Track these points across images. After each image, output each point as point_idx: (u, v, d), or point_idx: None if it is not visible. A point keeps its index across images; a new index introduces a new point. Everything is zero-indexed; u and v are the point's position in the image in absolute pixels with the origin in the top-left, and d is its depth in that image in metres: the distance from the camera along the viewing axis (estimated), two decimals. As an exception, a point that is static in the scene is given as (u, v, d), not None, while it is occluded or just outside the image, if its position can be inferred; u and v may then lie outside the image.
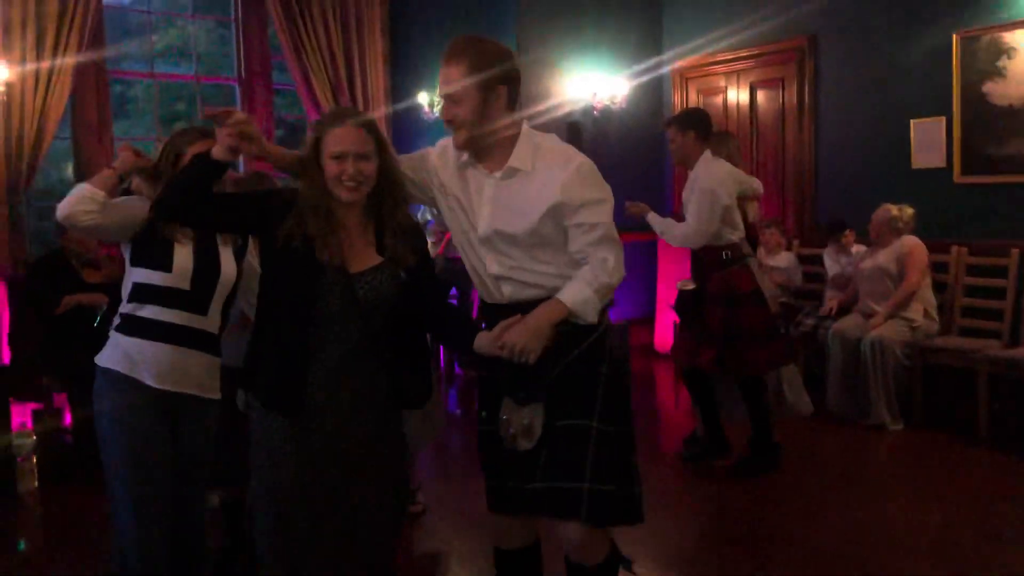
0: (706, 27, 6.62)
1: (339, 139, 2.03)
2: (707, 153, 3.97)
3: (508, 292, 2.17)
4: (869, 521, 3.52)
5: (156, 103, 7.11)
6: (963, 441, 4.49)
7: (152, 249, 2.39)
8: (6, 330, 4.99)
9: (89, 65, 5.69)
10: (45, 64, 5.26)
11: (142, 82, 7.02)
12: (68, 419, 4.44)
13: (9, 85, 5.01)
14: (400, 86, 7.22)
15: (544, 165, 2.10)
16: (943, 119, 5.27)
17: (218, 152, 2.04)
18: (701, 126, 3.99)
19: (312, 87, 6.73)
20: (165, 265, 2.39)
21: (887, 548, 3.25)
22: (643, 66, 6.91)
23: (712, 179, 3.89)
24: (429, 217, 6.09)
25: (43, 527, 3.91)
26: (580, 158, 2.13)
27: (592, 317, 2.10)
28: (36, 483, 4.19)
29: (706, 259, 4.06)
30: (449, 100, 2.10)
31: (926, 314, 4.88)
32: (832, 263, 5.57)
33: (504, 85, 2.09)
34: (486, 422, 2.24)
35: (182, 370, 2.39)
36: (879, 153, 5.66)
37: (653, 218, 4.19)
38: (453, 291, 6.20)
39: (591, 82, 6.55)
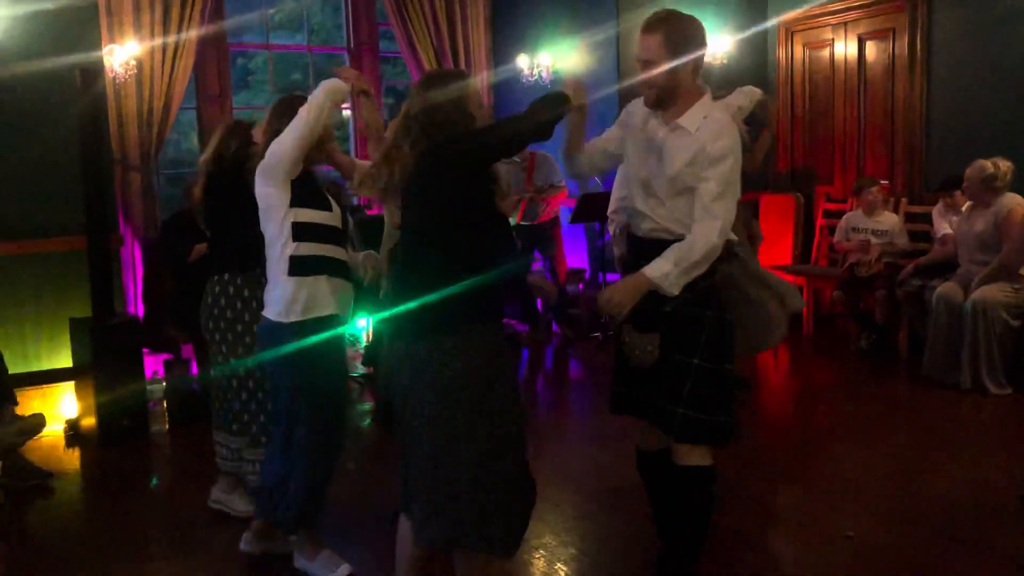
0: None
1: None
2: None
3: (645, 228, 2.58)
4: (972, 482, 3.48)
5: (271, 74, 7.50)
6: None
7: (312, 190, 2.69)
8: (140, 288, 5.47)
9: (210, 39, 6.06)
10: (171, 39, 5.65)
11: (261, 54, 7.39)
12: (194, 368, 4.87)
13: (139, 60, 5.42)
14: (501, 49, 7.32)
15: (703, 131, 2.45)
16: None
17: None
18: None
19: (417, 53, 6.92)
20: (326, 204, 2.72)
21: (991, 512, 3.23)
22: (748, 21, 6.76)
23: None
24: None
25: (173, 464, 4.35)
26: (727, 140, 2.44)
27: (673, 290, 2.43)
28: (167, 426, 4.65)
29: None
30: (645, 64, 2.45)
31: (1033, 276, 4.66)
32: (940, 222, 5.37)
33: (691, 54, 2.44)
34: (618, 340, 2.67)
35: (348, 303, 2.82)
36: (998, 105, 5.37)
37: None
38: (537, 255, 6.33)
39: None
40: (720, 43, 6.54)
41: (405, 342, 2.21)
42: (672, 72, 2.43)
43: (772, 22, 6.88)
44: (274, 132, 2.69)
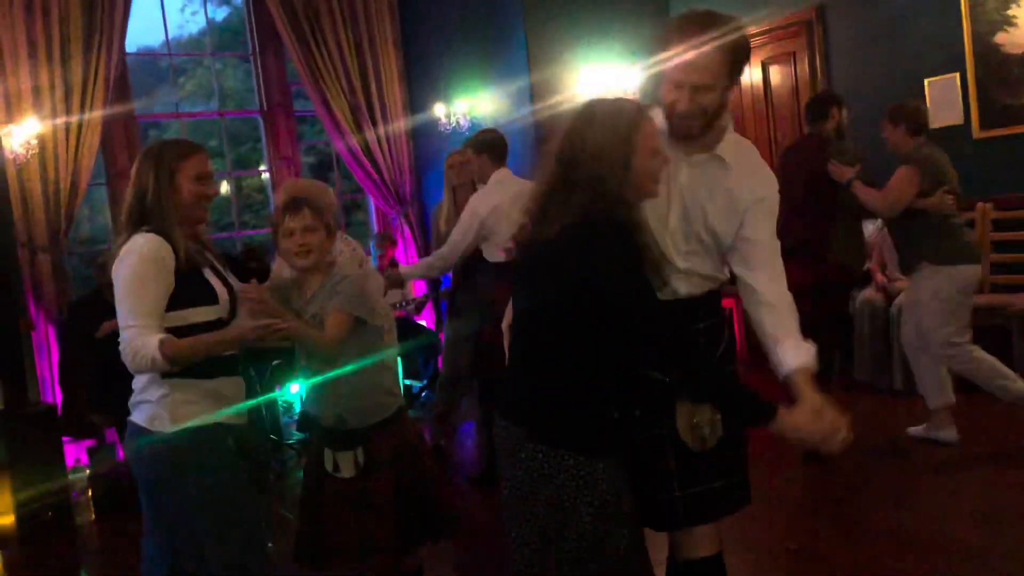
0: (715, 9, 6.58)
1: None
2: (497, 173, 4.23)
3: (685, 290, 2.01)
4: (911, 490, 3.50)
5: (185, 143, 7.37)
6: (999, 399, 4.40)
7: (193, 286, 2.20)
8: (56, 373, 5.24)
9: (118, 114, 5.95)
10: (74, 118, 5.53)
11: (174, 124, 7.28)
12: (120, 453, 4.65)
13: (41, 138, 5.28)
14: (417, 100, 7.35)
15: (743, 164, 1.99)
16: (957, 75, 5.17)
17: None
18: (492, 148, 4.28)
19: (332, 111, 6.90)
20: (212, 297, 2.23)
21: (933, 516, 3.24)
22: (652, 57, 6.90)
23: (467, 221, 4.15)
24: None
25: (102, 555, 4.12)
26: (770, 173, 2.04)
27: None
28: (93, 515, 4.42)
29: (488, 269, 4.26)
30: (696, 87, 1.88)
31: (953, 275, 4.78)
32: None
33: (741, 73, 1.95)
34: (647, 428, 2.00)
35: (238, 399, 2.30)
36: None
37: None
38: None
39: (604, 74, 6.58)
40: (632, 76, 6.67)
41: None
42: (727, 90, 1.92)
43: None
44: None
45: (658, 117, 1.94)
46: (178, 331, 2.15)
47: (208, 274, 2.27)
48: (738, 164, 1.98)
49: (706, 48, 1.84)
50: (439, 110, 6.89)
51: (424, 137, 7.25)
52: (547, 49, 6.37)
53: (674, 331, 1.80)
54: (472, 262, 4.38)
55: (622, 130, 1.77)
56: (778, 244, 2.00)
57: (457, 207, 4.50)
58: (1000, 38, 4.96)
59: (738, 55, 1.89)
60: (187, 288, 2.18)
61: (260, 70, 7.05)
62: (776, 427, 1.75)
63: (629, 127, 1.77)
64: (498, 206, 4.07)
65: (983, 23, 5.03)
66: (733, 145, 2.00)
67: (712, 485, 1.98)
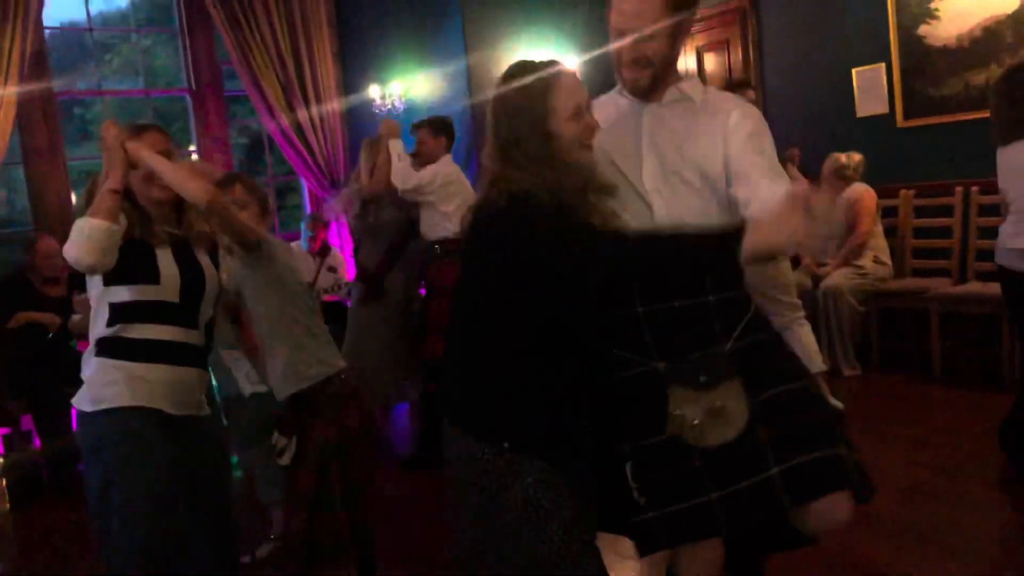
0: None
1: None
2: (447, 156, 4.37)
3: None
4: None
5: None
6: (919, 380, 4.54)
7: (133, 261, 2.10)
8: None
9: (35, 91, 5.71)
10: (-12, 93, 5.28)
11: (99, 102, 7.01)
12: (37, 441, 4.49)
13: (-48, 116, 5.04)
14: (352, 81, 7.22)
15: (711, 98, 1.86)
16: (883, 66, 5.29)
17: None
18: (449, 132, 4.43)
19: (263, 91, 6.74)
20: (151, 276, 2.12)
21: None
22: (594, 42, 6.91)
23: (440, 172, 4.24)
24: None
25: (17, 546, 3.97)
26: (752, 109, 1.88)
27: None
28: (7, 505, 4.25)
29: (420, 252, 4.38)
30: (634, 35, 1.78)
31: (876, 260, 4.92)
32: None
33: (692, 16, 1.83)
34: (640, 436, 1.78)
35: (187, 391, 2.19)
36: (825, 105, 5.67)
37: None
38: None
39: (543, 59, 6.54)
40: (571, 62, 6.66)
41: None
42: (673, 37, 1.79)
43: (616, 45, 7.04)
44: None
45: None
46: (118, 307, 2.10)
47: (162, 255, 2.17)
48: (706, 99, 1.86)
49: None
50: (374, 91, 6.77)
51: (359, 119, 7.13)
52: (485, 32, 6.31)
53: (672, 306, 1.69)
54: (403, 242, 4.36)
55: (536, 91, 1.69)
56: (779, 167, 1.81)
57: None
58: (923, 30, 5.08)
59: (680, 2, 1.76)
60: (128, 264, 2.10)
61: (188, 47, 6.84)
62: (745, 244, 1.52)
63: (544, 88, 1.69)
64: (460, 182, 4.30)
65: (908, 16, 5.14)
66: (699, 86, 1.88)
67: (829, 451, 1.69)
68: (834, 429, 1.79)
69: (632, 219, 1.78)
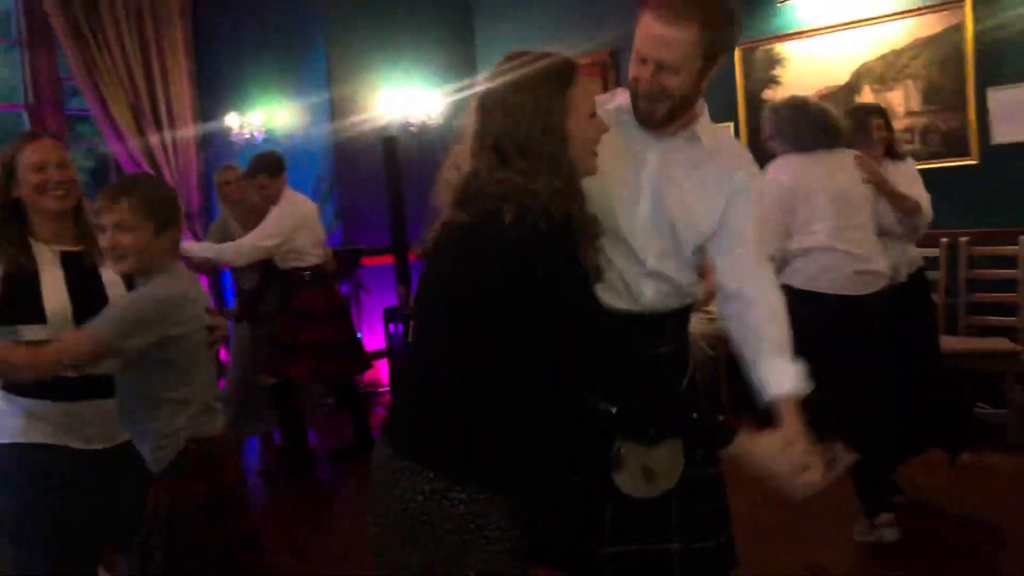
0: (517, 44, 6.73)
1: None
2: (287, 192, 4.45)
3: (650, 297, 1.74)
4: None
5: (-72, 133, 6.50)
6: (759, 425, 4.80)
7: (14, 301, 1.89)
8: None
9: None
10: None
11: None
12: None
13: None
14: (209, 107, 6.94)
15: (723, 146, 1.76)
16: (731, 125, 5.66)
17: None
18: (283, 165, 4.47)
19: (110, 111, 6.36)
20: (36, 315, 1.90)
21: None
22: (458, 84, 6.98)
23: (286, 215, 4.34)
24: None
25: None
26: (756, 167, 1.81)
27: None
28: None
29: (290, 278, 4.46)
30: (662, 65, 1.59)
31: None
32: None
33: (724, 53, 1.64)
34: (574, 471, 1.71)
35: (99, 423, 2.00)
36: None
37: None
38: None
39: (407, 98, 6.55)
40: (434, 103, 6.68)
41: None
42: (701, 75, 1.64)
43: (483, 75, 7.13)
44: None
45: (623, 97, 1.74)
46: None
47: (50, 283, 1.94)
48: (717, 145, 1.74)
49: (675, 20, 1.55)
50: (232, 119, 6.55)
51: (215, 147, 6.86)
52: (349, 65, 6.26)
53: (629, 353, 1.54)
54: (273, 269, 4.44)
55: (551, 83, 1.44)
56: (767, 247, 1.77)
57: (242, 225, 4.56)
58: (767, 94, 5.49)
59: (717, 40, 1.59)
60: (9, 305, 1.89)
61: (28, 61, 6.37)
62: (732, 449, 1.52)
63: (565, 79, 1.45)
64: (308, 215, 4.40)
65: (753, 80, 5.56)
66: (710, 127, 1.75)
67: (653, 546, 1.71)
68: (728, 509, 1.83)
69: (613, 259, 1.69)
